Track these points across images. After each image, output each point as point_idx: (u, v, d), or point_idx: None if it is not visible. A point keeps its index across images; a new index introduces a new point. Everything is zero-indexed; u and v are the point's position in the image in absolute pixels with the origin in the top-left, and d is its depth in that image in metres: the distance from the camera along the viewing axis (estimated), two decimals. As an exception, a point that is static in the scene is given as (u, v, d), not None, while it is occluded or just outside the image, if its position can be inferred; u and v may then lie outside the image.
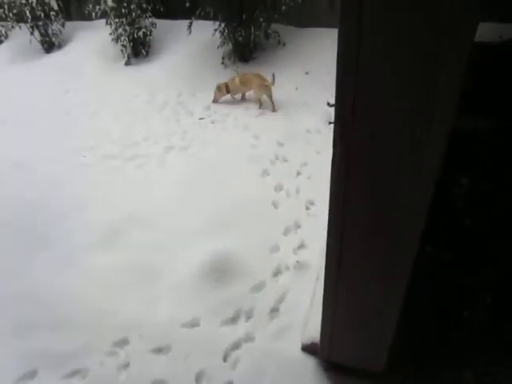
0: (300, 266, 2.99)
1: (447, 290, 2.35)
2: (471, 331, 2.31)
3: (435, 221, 1.57)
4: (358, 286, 1.82)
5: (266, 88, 5.29)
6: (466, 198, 2.20)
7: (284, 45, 6.45)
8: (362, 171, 1.42)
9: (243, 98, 5.76)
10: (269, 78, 5.30)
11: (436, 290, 2.29)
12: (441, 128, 1.24)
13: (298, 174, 4.04)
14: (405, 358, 2.20)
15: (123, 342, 2.48)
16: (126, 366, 2.36)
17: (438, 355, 2.25)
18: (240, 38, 6.25)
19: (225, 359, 2.40)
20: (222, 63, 6.38)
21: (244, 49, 6.41)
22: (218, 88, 5.58)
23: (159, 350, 2.44)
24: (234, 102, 5.65)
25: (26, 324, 2.60)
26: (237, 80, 5.54)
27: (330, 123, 4.56)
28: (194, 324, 2.60)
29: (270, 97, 5.34)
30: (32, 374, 2.31)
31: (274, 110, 5.35)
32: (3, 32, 8.23)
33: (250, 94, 5.69)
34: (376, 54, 1.18)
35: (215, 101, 5.67)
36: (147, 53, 7.10)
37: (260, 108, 5.44)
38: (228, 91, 5.60)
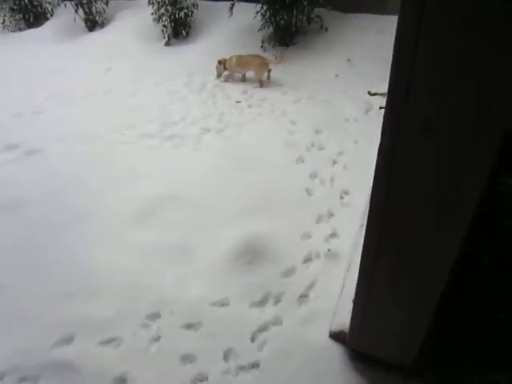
0: (331, 254, 2.98)
1: (483, 290, 2.29)
2: (506, 334, 2.25)
3: (475, 220, 1.52)
4: (392, 282, 1.80)
5: (266, 66, 5.50)
6: (510, 199, 2.11)
7: (326, 30, 6.32)
8: (408, 165, 1.39)
9: (243, 80, 5.88)
10: (273, 56, 5.55)
11: (472, 289, 2.23)
12: (497, 127, 1.19)
13: (334, 162, 4.00)
14: (435, 355, 2.17)
15: (155, 316, 2.56)
16: (157, 338, 2.43)
17: (470, 356, 2.20)
18: (281, 22, 6.18)
19: (252, 340, 2.44)
20: (262, 47, 6.33)
21: (285, 33, 6.33)
22: (219, 62, 5.75)
23: (189, 326, 2.51)
24: (271, 86, 5.61)
25: (64, 291, 2.72)
26: (233, 60, 5.68)
27: (380, 108, 4.48)
28: (223, 304, 2.65)
29: (268, 72, 5.62)
30: (69, 339, 2.42)
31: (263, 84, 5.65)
32: (49, 9, 8.45)
33: (249, 74, 5.82)
34: (438, 38, 1.13)
35: (219, 75, 5.84)
36: (187, 34, 7.14)
37: (261, 87, 5.58)
38: (225, 68, 5.75)
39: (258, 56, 5.59)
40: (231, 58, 5.70)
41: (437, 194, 1.44)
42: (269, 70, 5.62)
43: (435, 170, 1.38)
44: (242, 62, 5.65)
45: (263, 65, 5.50)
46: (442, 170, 1.37)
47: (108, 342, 2.41)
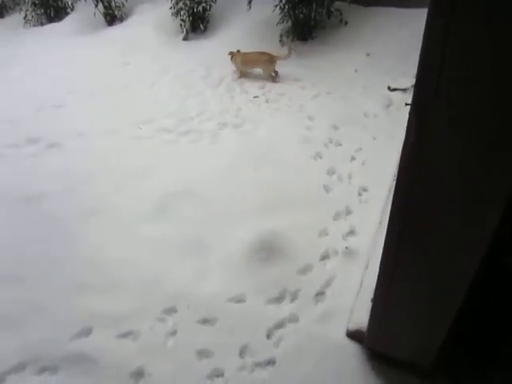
0: (349, 252, 2.95)
1: (505, 292, 2.24)
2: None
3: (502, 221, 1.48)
4: (412, 283, 1.77)
5: (274, 63, 5.47)
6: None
7: (346, 24, 6.21)
8: (433, 164, 1.35)
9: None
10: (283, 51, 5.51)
11: (494, 292, 2.18)
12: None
13: (352, 158, 3.94)
14: (453, 358, 2.14)
15: (171, 311, 2.58)
16: (174, 333, 2.45)
17: (489, 359, 2.16)
18: (301, 15, 6.10)
19: (268, 336, 2.44)
20: (280, 41, 6.27)
21: (304, 27, 6.25)
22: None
23: (205, 322, 2.52)
24: (289, 81, 5.56)
25: (83, 285, 2.76)
26: (238, 60, 5.63)
27: (406, 104, 4.41)
28: (239, 300, 2.65)
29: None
30: (87, 332, 2.46)
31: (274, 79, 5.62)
32: (70, 4, 8.53)
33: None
34: (465, 33, 1.08)
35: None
36: (205, 28, 7.11)
37: (274, 82, 5.57)
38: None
39: (265, 53, 5.49)
40: (236, 56, 5.65)
41: (461, 193, 1.40)
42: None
43: (462, 166, 1.35)
44: (248, 60, 5.59)
45: (271, 62, 5.45)
46: (468, 166, 1.33)
47: (125, 335, 2.44)
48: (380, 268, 1.81)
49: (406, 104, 4.54)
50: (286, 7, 6.09)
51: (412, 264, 1.69)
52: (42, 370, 2.29)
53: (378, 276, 1.84)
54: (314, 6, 6.10)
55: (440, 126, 1.24)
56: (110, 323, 2.49)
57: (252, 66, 5.66)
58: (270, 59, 5.44)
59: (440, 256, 1.60)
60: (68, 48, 7.09)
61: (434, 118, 1.23)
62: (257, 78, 5.71)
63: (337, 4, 6.11)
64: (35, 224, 3.28)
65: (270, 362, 2.30)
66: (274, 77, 5.58)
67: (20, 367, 2.30)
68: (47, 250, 3.03)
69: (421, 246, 1.62)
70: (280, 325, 2.50)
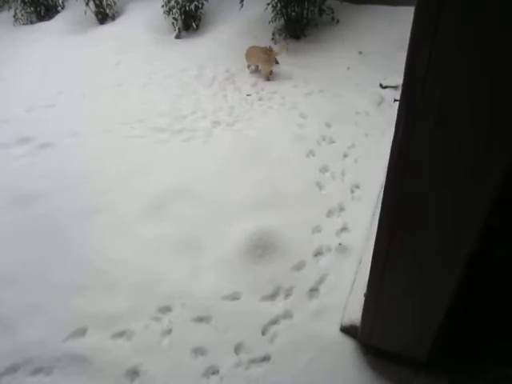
0: (342, 248, 2.97)
1: (498, 286, 2.27)
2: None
3: (490, 215, 1.50)
4: (404, 277, 1.79)
5: (273, 61, 5.48)
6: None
7: (338, 22, 6.24)
8: (421, 158, 1.37)
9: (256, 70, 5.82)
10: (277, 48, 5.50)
11: (487, 285, 2.21)
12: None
13: (345, 156, 3.96)
14: (448, 350, 2.16)
15: (167, 309, 2.58)
16: (169, 331, 2.46)
17: (483, 351, 2.19)
18: (293, 14, 6.11)
19: (263, 333, 2.45)
20: (273, 39, 6.28)
21: (296, 25, 6.27)
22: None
23: (200, 320, 2.52)
24: (280, 79, 5.57)
25: (76, 285, 2.75)
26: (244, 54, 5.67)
27: (395, 100, 4.43)
28: (234, 297, 2.66)
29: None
30: (82, 331, 2.46)
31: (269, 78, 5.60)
32: (60, 2, 8.45)
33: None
34: (458, 24, 1.10)
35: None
36: (197, 26, 7.09)
37: (269, 80, 5.56)
38: None
39: (265, 52, 5.48)
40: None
41: (449, 189, 1.42)
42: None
43: (450, 163, 1.37)
44: (250, 55, 5.62)
45: (270, 61, 5.46)
46: (456, 163, 1.36)
47: (120, 334, 2.44)
48: (372, 263, 1.82)
49: (395, 100, 4.58)
50: (279, 5, 6.10)
51: (403, 258, 1.71)
52: (36, 370, 2.28)
53: (370, 271, 1.86)
54: (306, 4, 6.11)
55: (427, 124, 1.26)
56: (105, 323, 2.48)
57: (253, 61, 5.67)
58: (269, 58, 5.42)
59: (430, 250, 1.62)
60: (59, 47, 7.03)
61: (421, 115, 1.25)
62: (250, 76, 5.71)
63: (328, 2, 6.14)
64: (28, 225, 3.26)
65: (265, 359, 2.31)
66: (269, 75, 5.58)
67: (13, 368, 2.28)
68: (43, 251, 3.01)
69: (411, 241, 1.64)
70: (275, 321, 2.51)
